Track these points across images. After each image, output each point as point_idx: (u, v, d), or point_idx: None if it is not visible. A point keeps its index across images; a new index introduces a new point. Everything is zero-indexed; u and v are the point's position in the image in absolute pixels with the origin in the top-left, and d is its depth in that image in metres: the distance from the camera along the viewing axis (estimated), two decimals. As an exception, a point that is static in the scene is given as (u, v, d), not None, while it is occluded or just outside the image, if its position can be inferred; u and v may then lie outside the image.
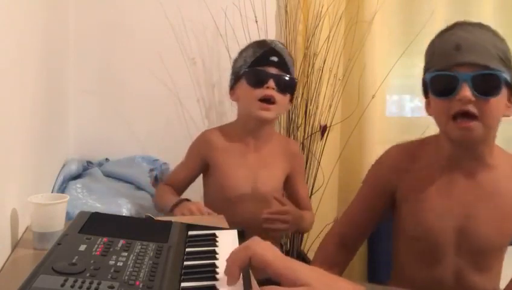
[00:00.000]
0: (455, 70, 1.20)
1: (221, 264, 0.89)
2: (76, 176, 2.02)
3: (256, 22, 2.36)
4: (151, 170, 2.19)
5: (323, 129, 2.42)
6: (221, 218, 1.47)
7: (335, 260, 1.42)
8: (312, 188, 2.42)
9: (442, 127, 1.27)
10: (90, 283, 0.75)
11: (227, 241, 1.04)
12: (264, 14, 2.38)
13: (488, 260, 1.29)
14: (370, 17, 2.35)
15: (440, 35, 1.29)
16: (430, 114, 1.32)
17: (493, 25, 2.71)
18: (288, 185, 1.87)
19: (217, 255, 0.96)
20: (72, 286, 0.74)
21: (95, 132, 2.35)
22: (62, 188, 1.86)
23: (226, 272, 0.71)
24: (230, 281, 0.71)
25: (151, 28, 2.37)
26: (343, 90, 2.43)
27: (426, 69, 1.30)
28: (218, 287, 0.81)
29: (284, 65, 1.71)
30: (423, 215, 1.31)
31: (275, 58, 1.71)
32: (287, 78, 1.72)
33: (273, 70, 1.70)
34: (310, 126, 2.39)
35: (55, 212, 1.23)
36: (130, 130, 2.38)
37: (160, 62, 2.38)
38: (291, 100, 1.82)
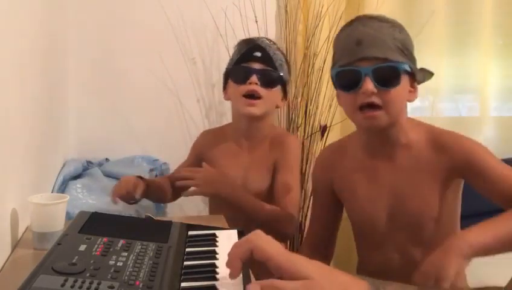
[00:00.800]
0: (357, 64, 1.26)
1: (221, 264, 0.89)
2: (76, 176, 2.02)
3: (256, 22, 2.36)
4: (151, 170, 2.20)
5: (323, 129, 2.42)
6: (221, 218, 1.47)
7: None
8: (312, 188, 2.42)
9: (351, 117, 1.35)
10: (90, 283, 0.75)
11: (227, 241, 1.04)
12: (264, 14, 2.38)
13: (422, 233, 1.35)
14: (370, 17, 2.35)
15: (342, 30, 1.35)
16: (340, 105, 1.39)
17: (493, 25, 2.73)
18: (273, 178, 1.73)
19: (217, 255, 0.96)
20: (72, 286, 0.74)
21: (95, 132, 2.35)
22: (62, 188, 1.86)
23: (228, 265, 0.71)
24: (232, 275, 0.71)
25: (151, 28, 2.37)
26: (343, 90, 2.43)
27: (332, 64, 1.36)
28: (218, 287, 0.81)
29: (268, 60, 1.69)
30: (357, 203, 1.40)
31: (258, 54, 1.69)
32: (271, 73, 1.69)
33: (256, 66, 1.68)
34: (310, 126, 2.39)
35: (55, 212, 1.23)
36: (130, 130, 2.38)
37: (160, 62, 2.38)
38: (285, 97, 1.78)
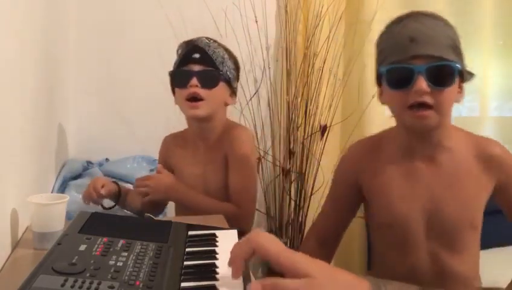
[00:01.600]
0: (410, 62, 1.22)
1: (221, 264, 0.89)
2: (76, 176, 2.02)
3: (256, 22, 2.36)
4: (151, 170, 2.19)
5: (323, 129, 2.42)
6: (221, 218, 1.47)
7: (316, 256, 1.44)
8: (312, 188, 2.42)
9: (398, 116, 1.30)
10: (90, 283, 0.75)
11: (227, 241, 1.04)
12: (264, 14, 2.38)
13: (459, 240, 1.31)
14: (370, 17, 2.35)
15: (392, 26, 1.30)
16: (382, 103, 1.34)
17: (493, 25, 2.73)
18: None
19: (217, 255, 0.96)
20: (72, 286, 0.74)
21: (95, 132, 2.35)
22: (62, 188, 1.86)
23: (230, 264, 0.72)
24: (234, 274, 0.72)
25: (151, 28, 2.37)
26: (343, 90, 2.43)
27: (380, 61, 1.31)
28: (218, 287, 0.81)
29: (207, 60, 1.66)
30: (390, 203, 1.34)
31: (196, 55, 1.67)
32: (210, 72, 1.66)
33: (195, 68, 1.66)
34: (310, 126, 2.39)
35: (55, 212, 1.23)
36: (130, 130, 2.38)
37: (160, 62, 2.38)
38: (233, 93, 1.75)
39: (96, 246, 0.89)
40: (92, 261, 0.83)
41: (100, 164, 2.21)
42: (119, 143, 2.35)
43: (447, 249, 1.31)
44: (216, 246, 1.02)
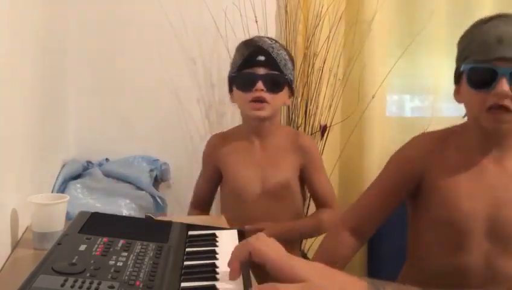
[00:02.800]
0: (495, 63, 1.20)
1: (221, 264, 0.89)
2: (76, 176, 2.02)
3: (256, 22, 2.36)
4: (151, 170, 2.20)
5: (323, 129, 2.42)
6: (221, 218, 1.47)
7: (344, 246, 1.42)
8: (312, 188, 2.42)
9: (475, 116, 1.28)
10: (90, 283, 0.75)
11: (227, 241, 1.04)
12: (264, 14, 2.38)
13: None
14: (370, 17, 2.35)
15: (479, 25, 1.28)
16: (459, 101, 1.33)
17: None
18: (306, 181, 1.82)
19: (217, 255, 0.96)
20: (72, 286, 0.74)
21: (95, 132, 2.35)
22: (62, 188, 1.86)
23: (228, 265, 0.73)
24: (231, 276, 0.73)
25: (151, 28, 2.37)
26: (343, 90, 2.43)
27: (463, 58, 1.29)
28: (218, 287, 0.81)
29: (272, 63, 1.67)
30: (453, 200, 1.31)
31: (261, 58, 1.67)
32: (276, 77, 1.67)
33: (260, 71, 1.66)
34: (310, 126, 2.39)
35: (55, 212, 1.23)
36: (130, 130, 2.38)
37: (160, 62, 2.38)
38: (292, 94, 1.78)
39: (96, 246, 0.89)
40: (92, 261, 0.82)
41: (100, 164, 2.21)
42: (119, 143, 2.35)
43: (502, 252, 1.29)
44: (216, 246, 1.02)
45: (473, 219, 1.29)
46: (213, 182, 1.88)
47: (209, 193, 1.89)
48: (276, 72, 1.67)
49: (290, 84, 1.74)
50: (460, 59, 1.30)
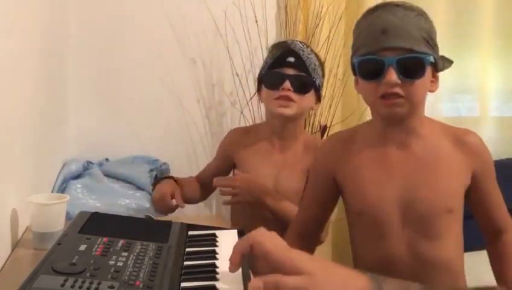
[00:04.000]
0: (381, 54, 1.23)
1: (221, 264, 0.89)
2: (76, 176, 2.02)
3: (256, 22, 2.36)
4: (151, 170, 2.19)
5: (323, 129, 2.42)
6: (221, 218, 1.48)
7: (296, 248, 1.44)
8: (312, 188, 2.42)
9: (371, 105, 1.33)
10: (90, 283, 0.75)
11: (227, 241, 1.04)
12: (264, 14, 2.38)
13: (435, 226, 1.31)
14: (370, 17, 2.35)
15: (366, 17, 1.30)
16: (358, 92, 1.37)
17: (493, 25, 2.73)
18: None
19: (217, 255, 0.96)
20: (72, 286, 0.74)
21: (95, 132, 2.35)
22: (62, 188, 1.86)
23: (230, 260, 0.74)
24: (231, 268, 0.74)
25: (151, 28, 2.37)
26: (343, 90, 2.43)
27: (354, 51, 1.33)
28: (218, 287, 0.81)
29: (301, 65, 1.69)
30: (364, 190, 1.35)
31: (291, 59, 1.69)
32: (303, 78, 1.69)
33: (289, 71, 1.68)
34: (310, 126, 2.39)
35: (55, 212, 1.23)
36: (130, 130, 2.38)
37: (160, 62, 2.38)
38: (318, 100, 1.79)
39: (96, 246, 0.89)
40: (92, 261, 0.83)
41: (100, 164, 2.21)
42: (119, 143, 2.35)
43: (424, 236, 1.31)
44: (216, 246, 1.02)
45: (385, 206, 1.32)
46: (220, 171, 1.89)
47: (212, 177, 1.86)
48: (304, 74, 1.70)
49: (317, 89, 1.75)
50: (352, 52, 1.34)
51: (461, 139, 1.34)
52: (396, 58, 1.21)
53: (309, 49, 1.75)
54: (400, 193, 1.31)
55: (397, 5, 1.26)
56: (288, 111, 1.70)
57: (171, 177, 1.83)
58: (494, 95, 2.69)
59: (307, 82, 1.71)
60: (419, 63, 1.24)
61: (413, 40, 1.22)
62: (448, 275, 1.32)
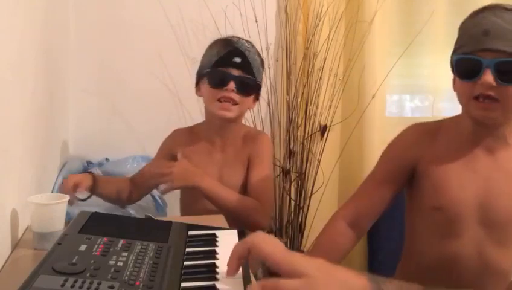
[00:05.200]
0: (480, 55, 1.23)
1: (221, 264, 0.89)
2: (77, 176, 2.02)
3: (256, 22, 2.36)
4: (151, 170, 2.19)
5: (323, 129, 2.42)
6: (221, 218, 1.47)
7: (342, 237, 1.42)
8: (312, 188, 2.42)
9: (464, 105, 1.31)
10: (90, 283, 0.75)
11: (227, 241, 1.04)
12: (264, 14, 2.38)
13: (507, 234, 1.32)
14: (370, 17, 2.35)
15: (472, 17, 1.30)
16: (455, 90, 1.35)
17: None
18: (247, 173, 1.75)
19: (217, 255, 0.96)
20: (72, 286, 0.74)
21: (95, 132, 2.35)
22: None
23: (228, 264, 0.74)
24: (229, 272, 0.74)
25: (151, 27, 2.37)
26: (343, 90, 2.43)
27: (455, 49, 1.32)
28: (218, 287, 0.81)
29: (247, 66, 1.68)
30: (445, 186, 1.34)
31: (237, 59, 1.67)
32: (248, 80, 1.68)
33: (235, 72, 1.66)
34: (310, 126, 2.39)
35: (55, 212, 1.23)
36: (130, 130, 2.38)
37: (160, 62, 2.38)
38: (256, 98, 1.78)
39: (96, 246, 0.89)
40: (92, 261, 0.83)
41: (100, 164, 2.21)
42: (119, 143, 2.35)
43: (494, 241, 1.31)
44: (216, 246, 1.02)
45: (463, 207, 1.31)
46: None
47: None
48: (249, 76, 1.68)
49: (259, 89, 1.76)
50: (453, 50, 1.34)
51: None
52: (495, 60, 1.20)
53: (254, 49, 1.74)
54: (481, 197, 1.31)
55: (505, 8, 1.25)
56: (230, 114, 1.68)
57: (91, 173, 1.79)
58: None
59: (252, 84, 1.69)
60: None
61: None
62: (504, 280, 1.33)
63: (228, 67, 1.67)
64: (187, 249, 0.99)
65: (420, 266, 1.37)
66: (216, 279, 0.84)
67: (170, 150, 1.81)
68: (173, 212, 2.27)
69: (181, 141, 1.81)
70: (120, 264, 0.83)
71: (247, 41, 1.76)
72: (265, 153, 1.77)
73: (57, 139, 2.02)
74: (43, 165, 1.69)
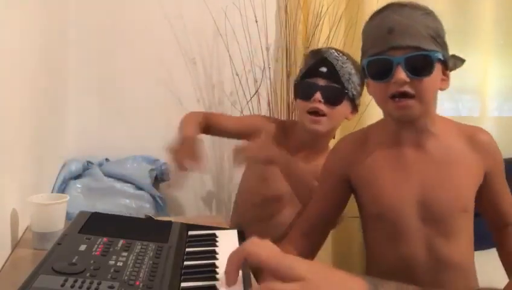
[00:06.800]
0: (389, 53, 1.24)
1: (221, 264, 0.89)
2: (76, 176, 2.02)
3: (256, 22, 2.36)
4: (151, 170, 2.20)
5: (323, 129, 2.42)
6: (221, 218, 1.48)
7: (297, 247, 1.45)
8: (312, 188, 2.42)
9: (382, 106, 1.33)
10: (90, 283, 0.75)
11: (227, 241, 1.04)
12: (264, 14, 2.38)
13: (453, 226, 1.32)
14: (370, 17, 2.35)
15: (372, 18, 1.31)
16: (370, 94, 1.37)
17: (493, 24, 2.72)
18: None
19: (217, 255, 0.96)
20: (72, 286, 0.74)
21: (95, 132, 2.35)
22: (62, 188, 1.86)
23: (225, 273, 0.73)
24: (228, 282, 0.72)
25: (151, 28, 2.37)
26: (343, 90, 2.43)
27: (362, 53, 1.33)
28: (218, 287, 0.81)
29: (334, 75, 1.64)
30: (380, 192, 1.35)
31: (323, 69, 1.64)
32: (335, 89, 1.64)
33: (321, 82, 1.64)
34: (310, 126, 2.39)
35: (55, 212, 1.23)
36: (130, 130, 2.38)
37: (160, 62, 2.38)
38: (355, 110, 1.72)
39: (96, 246, 0.89)
40: (92, 261, 0.83)
41: (100, 164, 2.21)
42: (119, 143, 2.35)
43: (442, 236, 1.31)
44: (216, 246, 1.02)
45: (402, 209, 1.32)
46: (240, 131, 1.83)
47: (228, 128, 1.84)
48: (336, 85, 1.64)
49: (352, 99, 1.69)
50: (361, 55, 1.34)
51: (473, 137, 1.35)
52: (404, 56, 1.22)
53: (345, 58, 1.68)
54: (418, 193, 1.32)
55: (403, 5, 1.27)
56: (320, 128, 1.65)
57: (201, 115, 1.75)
58: (494, 95, 2.69)
59: (339, 93, 1.65)
60: (427, 60, 1.24)
61: (420, 38, 1.23)
62: (461, 274, 1.34)
63: (314, 77, 1.65)
64: (187, 249, 0.99)
65: (380, 271, 1.38)
66: (216, 279, 0.84)
67: (257, 127, 1.78)
68: (173, 212, 2.27)
69: (267, 131, 1.78)
70: (120, 264, 0.83)
71: (339, 51, 1.72)
72: None
73: (57, 139, 2.02)
74: (43, 165, 1.69)
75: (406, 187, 1.32)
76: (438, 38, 1.26)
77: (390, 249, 1.35)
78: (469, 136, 1.35)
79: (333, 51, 1.70)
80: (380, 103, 1.32)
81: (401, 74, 1.22)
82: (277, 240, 0.75)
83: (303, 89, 1.67)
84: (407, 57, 1.22)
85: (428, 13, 1.27)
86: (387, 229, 1.35)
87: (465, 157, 1.33)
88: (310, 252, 1.46)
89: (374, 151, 1.38)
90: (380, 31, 1.26)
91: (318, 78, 1.65)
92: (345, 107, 1.68)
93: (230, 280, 0.72)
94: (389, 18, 1.25)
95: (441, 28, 1.29)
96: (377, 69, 1.27)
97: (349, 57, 1.70)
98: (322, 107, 1.64)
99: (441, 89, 1.31)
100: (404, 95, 1.24)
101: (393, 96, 1.25)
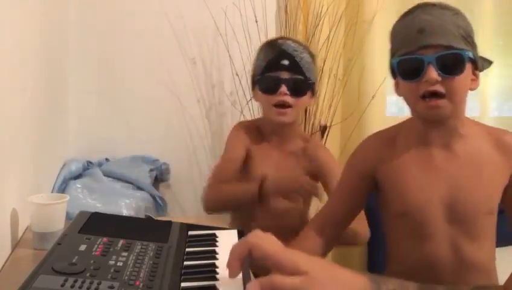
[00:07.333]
0: (420, 53, 1.24)
1: (221, 264, 0.89)
2: (77, 176, 2.02)
3: (256, 22, 2.36)
4: (151, 170, 2.20)
5: (323, 129, 2.42)
6: (221, 218, 1.48)
7: (307, 243, 1.44)
8: (312, 188, 2.42)
9: (412, 106, 1.32)
10: (90, 283, 0.75)
11: (227, 241, 1.04)
12: (264, 14, 2.38)
13: (478, 227, 1.32)
14: (370, 17, 2.35)
15: (402, 19, 1.32)
16: (399, 95, 1.36)
17: (493, 25, 2.72)
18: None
19: (217, 255, 0.96)
20: (72, 286, 0.74)
21: (95, 132, 2.35)
22: (62, 188, 1.86)
23: (227, 265, 0.73)
24: (231, 274, 0.72)
25: (151, 28, 2.37)
26: (343, 90, 2.43)
27: (392, 54, 1.33)
28: (218, 287, 0.81)
29: (296, 67, 1.68)
30: (407, 192, 1.34)
31: (285, 62, 1.68)
32: (299, 81, 1.68)
33: (284, 75, 1.68)
34: (310, 126, 2.39)
35: (55, 212, 1.23)
36: (130, 130, 2.38)
37: (160, 62, 2.38)
38: (313, 95, 1.78)
39: (96, 246, 0.89)
40: (92, 261, 0.83)
41: (100, 164, 2.21)
42: (119, 143, 2.35)
43: (467, 237, 1.31)
44: (216, 246, 1.02)
45: (429, 207, 1.32)
46: (239, 166, 1.80)
47: (235, 176, 1.82)
48: (300, 77, 1.68)
49: (313, 88, 1.75)
50: (390, 55, 1.34)
51: (500, 139, 1.34)
52: (436, 55, 1.22)
53: (301, 48, 1.73)
54: (445, 194, 1.31)
55: (433, 5, 1.27)
56: (286, 119, 1.70)
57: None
58: (494, 95, 2.69)
59: (303, 84, 1.70)
60: (458, 58, 1.24)
61: (451, 37, 1.23)
62: (484, 275, 1.34)
63: (277, 71, 1.68)
64: (187, 249, 0.99)
65: (402, 270, 1.37)
66: (216, 279, 0.84)
67: (244, 143, 1.79)
68: (173, 212, 2.27)
69: (250, 137, 1.80)
70: (120, 264, 0.83)
71: (294, 40, 1.77)
72: (332, 166, 1.75)
73: (57, 139, 2.02)
74: (43, 165, 1.69)
75: (433, 188, 1.32)
76: (468, 37, 1.27)
77: (414, 249, 1.35)
78: (496, 138, 1.34)
79: (290, 42, 1.74)
80: (410, 103, 1.31)
81: (433, 73, 1.21)
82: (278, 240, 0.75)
83: (267, 83, 1.70)
84: (439, 55, 1.22)
85: (457, 13, 1.27)
86: (411, 228, 1.35)
87: (492, 160, 1.32)
88: (323, 249, 1.46)
89: (401, 150, 1.37)
90: (410, 30, 1.26)
91: (280, 71, 1.68)
92: (308, 95, 1.74)
93: (232, 272, 0.72)
94: (419, 18, 1.26)
95: (470, 28, 1.29)
96: (407, 68, 1.27)
97: (305, 47, 1.75)
98: (289, 99, 1.68)
99: (471, 89, 1.30)
100: (435, 95, 1.23)
101: (423, 96, 1.24)
